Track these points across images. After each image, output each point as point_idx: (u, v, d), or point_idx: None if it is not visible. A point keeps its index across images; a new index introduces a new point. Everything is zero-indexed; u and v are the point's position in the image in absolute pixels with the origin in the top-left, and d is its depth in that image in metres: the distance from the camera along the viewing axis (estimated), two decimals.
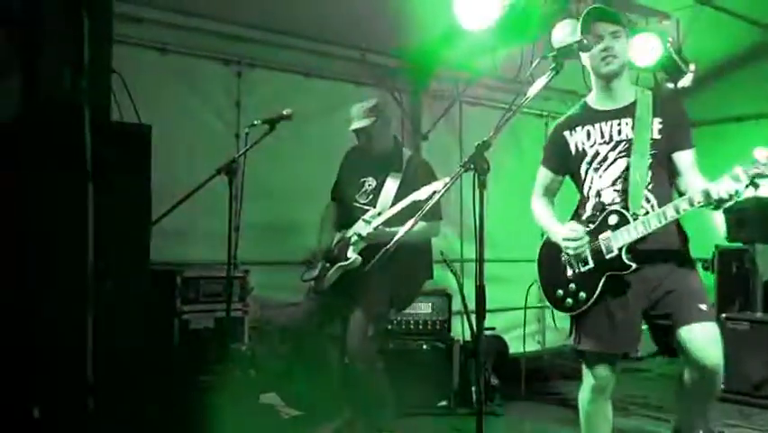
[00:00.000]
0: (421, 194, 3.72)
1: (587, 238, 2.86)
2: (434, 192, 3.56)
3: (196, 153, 4.81)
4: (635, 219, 2.77)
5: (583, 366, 3.03)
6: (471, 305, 2.70)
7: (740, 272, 6.04)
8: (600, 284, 2.85)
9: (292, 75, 5.58)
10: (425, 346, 5.19)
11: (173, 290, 4.41)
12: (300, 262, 4.28)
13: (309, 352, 4.25)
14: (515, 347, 6.30)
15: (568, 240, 2.88)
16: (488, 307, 5.20)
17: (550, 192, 3.21)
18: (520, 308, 6.88)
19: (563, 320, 3.07)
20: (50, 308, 3.42)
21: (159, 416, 3.72)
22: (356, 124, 4.09)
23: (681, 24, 5.45)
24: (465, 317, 4.76)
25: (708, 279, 6.38)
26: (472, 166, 2.45)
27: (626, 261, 2.78)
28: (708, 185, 2.56)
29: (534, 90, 2.66)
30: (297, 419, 4.60)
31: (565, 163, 3.09)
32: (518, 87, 3.01)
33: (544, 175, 3.20)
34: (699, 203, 2.59)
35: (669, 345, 2.85)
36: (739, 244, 6.00)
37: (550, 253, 3.05)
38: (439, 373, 5.18)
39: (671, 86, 5.36)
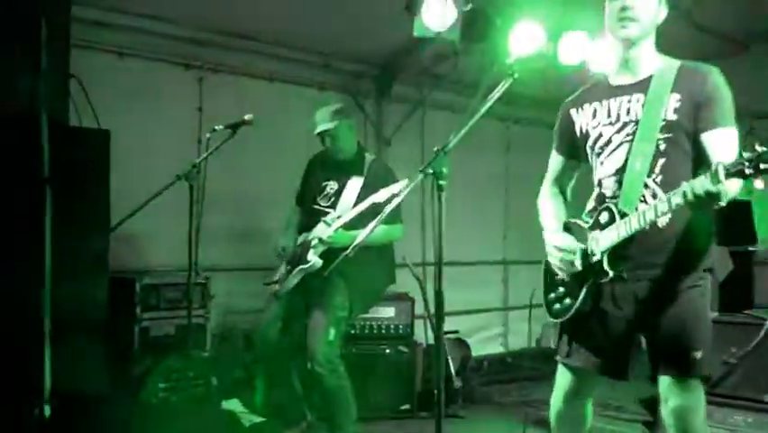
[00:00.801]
0: (380, 196, 3.74)
1: (577, 253, 2.53)
2: (394, 195, 3.59)
3: (156, 158, 4.76)
4: (622, 218, 2.40)
5: (558, 367, 2.75)
6: (434, 308, 2.66)
7: None
8: (583, 291, 2.53)
9: (255, 80, 5.56)
10: (387, 350, 5.21)
11: (133, 297, 4.37)
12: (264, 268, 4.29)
13: (272, 357, 4.24)
14: (478, 350, 6.36)
15: (556, 250, 2.59)
16: (451, 310, 5.26)
17: (562, 181, 2.85)
18: (483, 311, 6.98)
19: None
20: (7, 312, 3.37)
21: (118, 424, 3.68)
22: (320, 127, 4.12)
23: None
24: (428, 320, 4.79)
25: None
26: (431, 171, 2.45)
27: (606, 267, 2.43)
28: (690, 182, 2.14)
29: (493, 96, 2.64)
30: (259, 426, 4.58)
31: (574, 147, 2.71)
32: (479, 91, 3.03)
33: (554, 161, 2.84)
34: (677, 204, 2.19)
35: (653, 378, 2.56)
36: None
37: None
38: (402, 376, 5.20)
39: None
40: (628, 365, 2.58)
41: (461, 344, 5.97)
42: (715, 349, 4.73)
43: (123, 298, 4.37)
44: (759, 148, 2.00)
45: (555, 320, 2.69)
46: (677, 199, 2.17)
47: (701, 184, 2.08)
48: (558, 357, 2.73)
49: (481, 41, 4.70)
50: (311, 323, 3.95)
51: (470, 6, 4.56)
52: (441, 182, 2.43)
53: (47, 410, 3.41)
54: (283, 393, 4.43)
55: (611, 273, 2.43)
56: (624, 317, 2.51)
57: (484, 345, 6.65)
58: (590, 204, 2.65)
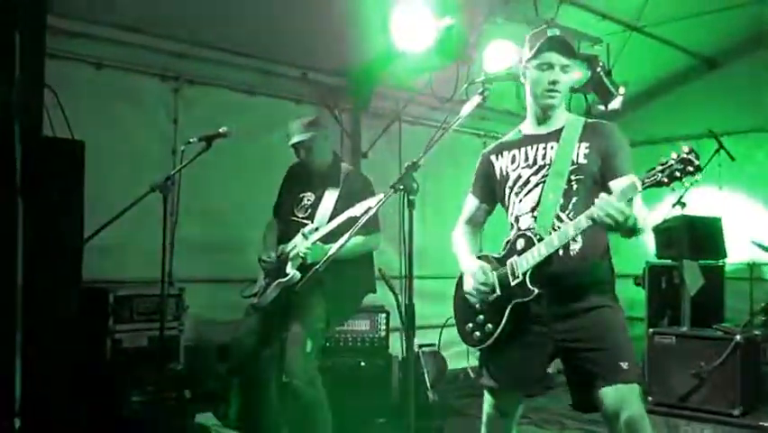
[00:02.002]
0: (356, 210, 3.76)
1: (496, 278, 2.72)
2: (370, 208, 3.61)
3: (131, 170, 4.75)
4: (539, 241, 2.63)
5: (485, 394, 2.91)
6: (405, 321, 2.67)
7: (669, 288, 6.23)
8: (506, 313, 2.69)
9: (232, 92, 5.55)
10: (363, 363, 5.21)
11: (105, 309, 4.33)
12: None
13: (249, 370, 4.23)
14: (455, 363, 6.37)
15: (477, 276, 2.75)
16: (428, 323, 5.27)
17: (475, 222, 3.06)
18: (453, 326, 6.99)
19: None
20: None
21: None
22: (295, 139, 4.12)
23: (611, 49, 5.66)
24: (403, 333, 4.80)
25: (638, 294, 6.60)
26: (401, 186, 2.49)
27: (530, 286, 2.62)
28: (594, 206, 2.42)
29: (463, 113, 2.71)
30: None
31: (491, 190, 2.95)
32: (454, 106, 3.07)
33: (470, 202, 3.06)
34: (595, 219, 2.42)
35: (582, 402, 2.68)
36: (668, 261, 6.19)
37: (462, 288, 2.88)
38: (377, 389, 5.21)
39: (601, 108, 5.55)
40: (546, 380, 2.82)
41: (438, 357, 5.98)
42: (685, 363, 4.86)
43: (95, 309, 4.33)
44: (677, 156, 2.31)
45: (477, 347, 2.84)
46: (594, 213, 2.41)
47: (606, 206, 2.36)
48: (482, 381, 2.87)
49: (456, 58, 4.75)
50: (289, 335, 3.95)
51: (446, 23, 4.61)
52: (411, 197, 2.47)
53: (16, 423, 3.38)
54: (259, 406, 4.41)
55: (536, 291, 2.62)
56: (544, 334, 2.69)
57: (461, 358, 6.66)
58: (507, 238, 2.82)
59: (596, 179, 2.69)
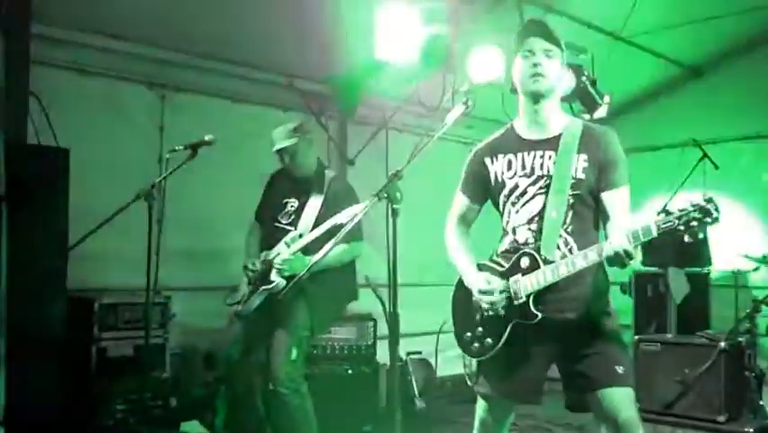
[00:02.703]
0: (341, 217, 3.76)
1: (504, 294, 2.66)
2: (355, 215, 3.62)
3: (116, 177, 4.72)
4: (545, 264, 2.58)
5: (478, 399, 2.90)
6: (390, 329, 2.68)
7: (655, 295, 6.27)
8: (507, 332, 2.66)
9: (218, 99, 5.55)
10: (350, 371, 5.21)
11: (90, 317, 4.32)
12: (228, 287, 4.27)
13: (234, 378, 4.21)
14: (442, 370, 6.37)
15: (483, 293, 2.68)
16: (415, 330, 5.26)
17: (466, 221, 2.98)
18: (448, 332, 6.99)
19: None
20: None
21: None
22: (279, 144, 4.12)
23: (596, 58, 5.70)
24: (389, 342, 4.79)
25: (625, 302, 6.64)
26: (386, 195, 2.50)
27: (534, 310, 2.59)
28: (613, 241, 2.41)
29: (448, 122, 2.72)
30: None
31: (483, 192, 2.88)
32: (440, 114, 3.09)
33: (461, 202, 2.95)
34: (606, 256, 2.42)
35: (576, 404, 2.72)
36: (654, 269, 6.23)
37: (463, 295, 2.84)
38: (364, 397, 5.20)
39: (587, 117, 5.58)
40: (541, 392, 2.78)
41: (425, 364, 5.99)
42: (670, 370, 4.88)
43: (80, 317, 4.32)
44: (696, 204, 2.28)
45: (475, 358, 2.82)
46: (605, 251, 2.41)
47: (627, 245, 2.35)
48: (477, 389, 2.87)
49: (442, 66, 4.78)
50: (274, 343, 3.94)
51: (432, 31, 4.64)
52: (395, 206, 2.48)
53: (1, 431, 3.36)
54: (245, 414, 4.39)
55: (539, 316, 2.59)
56: (542, 347, 2.70)
57: (448, 365, 6.67)
58: (502, 247, 2.79)
59: (593, 192, 2.67)
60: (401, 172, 2.52)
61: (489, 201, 2.90)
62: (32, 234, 3.67)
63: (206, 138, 3.84)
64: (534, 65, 2.64)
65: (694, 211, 2.28)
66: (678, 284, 5.80)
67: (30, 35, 3.86)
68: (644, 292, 6.42)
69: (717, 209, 2.29)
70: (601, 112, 5.59)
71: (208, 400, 4.75)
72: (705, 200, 2.29)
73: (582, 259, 2.50)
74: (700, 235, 2.30)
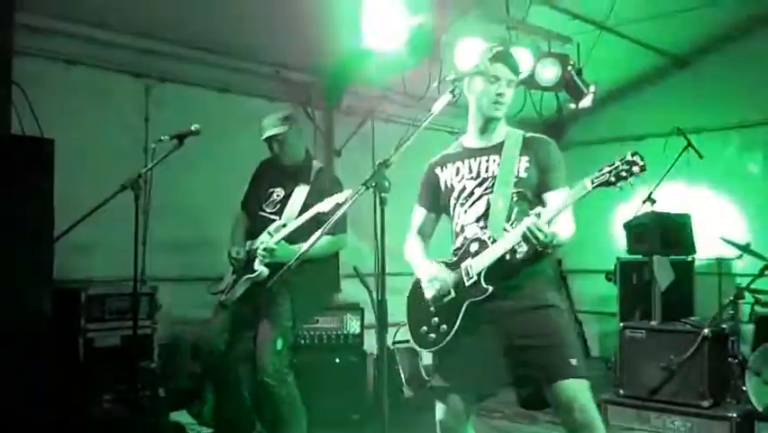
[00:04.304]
0: (324, 206, 3.76)
1: (450, 278, 2.83)
2: (338, 205, 3.62)
3: (102, 168, 4.70)
4: (493, 243, 2.75)
5: (436, 402, 2.94)
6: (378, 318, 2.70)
7: (640, 283, 6.31)
8: (461, 313, 2.78)
9: (204, 90, 5.52)
10: (337, 360, 5.23)
11: (77, 308, 4.30)
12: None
13: (220, 368, 4.22)
14: (431, 359, 6.39)
15: (431, 281, 2.85)
16: (403, 319, 5.29)
17: (424, 232, 3.17)
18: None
19: None
20: None
21: None
22: (268, 132, 4.12)
23: (581, 48, 5.72)
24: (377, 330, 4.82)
25: (610, 289, 6.69)
26: (374, 184, 2.51)
27: (484, 284, 2.74)
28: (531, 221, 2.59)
29: (434, 111, 2.74)
30: None
31: (437, 201, 3.07)
32: (426, 104, 3.09)
33: (418, 213, 3.17)
34: (524, 234, 2.59)
35: (530, 399, 2.80)
36: (639, 257, 6.28)
37: (417, 293, 2.96)
38: (352, 386, 5.23)
39: (572, 106, 5.62)
40: (498, 382, 2.89)
41: (412, 353, 6.01)
42: (655, 356, 4.94)
43: (67, 309, 4.28)
44: (622, 158, 2.51)
45: (431, 350, 2.90)
46: (541, 214, 2.61)
47: (532, 219, 2.58)
48: (434, 383, 2.93)
49: (428, 56, 4.78)
50: (259, 334, 3.95)
51: (418, 21, 4.64)
52: (383, 195, 2.49)
53: None
54: (232, 404, 4.40)
55: (489, 288, 2.74)
56: (497, 333, 2.78)
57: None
58: (454, 247, 2.96)
59: (535, 191, 2.87)
60: (389, 161, 2.55)
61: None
62: (18, 225, 3.64)
63: (192, 128, 3.83)
64: (499, 94, 2.86)
65: (623, 164, 2.50)
66: (662, 272, 5.83)
67: (13, 24, 3.81)
68: (629, 280, 6.46)
69: (642, 159, 2.50)
70: (587, 101, 5.62)
71: (196, 391, 4.75)
72: (631, 153, 2.51)
73: (528, 229, 2.60)
74: (630, 183, 2.51)
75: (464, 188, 2.93)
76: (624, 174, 2.49)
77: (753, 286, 5.27)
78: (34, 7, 4.42)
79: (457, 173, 2.98)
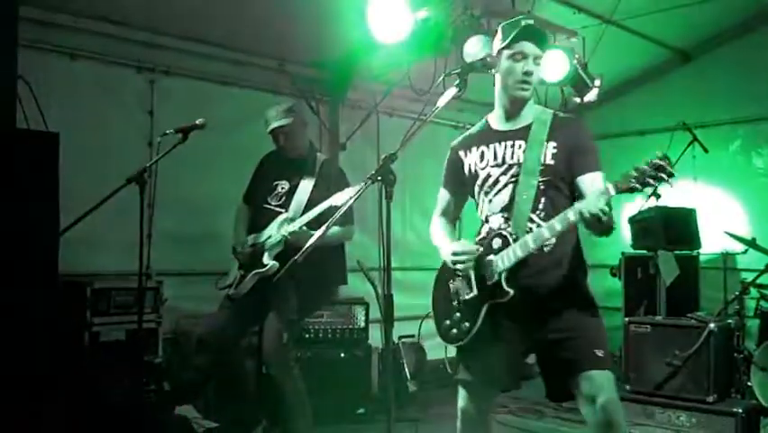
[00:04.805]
0: (337, 199, 3.77)
1: (475, 255, 2.72)
2: (350, 198, 3.62)
3: (107, 162, 4.71)
4: (515, 241, 2.64)
5: (459, 389, 2.92)
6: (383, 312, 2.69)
7: (645, 278, 6.30)
8: (482, 313, 2.70)
9: (208, 83, 5.52)
10: (342, 354, 5.24)
11: (83, 302, 4.30)
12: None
13: (226, 362, 4.22)
14: (435, 354, 6.40)
15: (456, 254, 2.74)
16: (408, 314, 5.30)
17: (450, 215, 3.06)
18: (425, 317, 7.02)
19: None
20: None
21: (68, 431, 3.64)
22: (274, 124, 4.12)
23: (586, 42, 5.70)
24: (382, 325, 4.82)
25: (615, 284, 6.68)
26: (379, 178, 2.50)
27: (506, 287, 2.63)
28: (582, 202, 2.46)
29: (440, 104, 2.73)
30: (213, 431, 4.56)
31: (461, 185, 2.95)
32: (432, 98, 3.08)
33: (442, 197, 3.06)
34: (572, 221, 2.48)
35: (556, 390, 2.79)
36: (644, 252, 6.26)
37: (442, 284, 2.91)
38: (357, 380, 5.24)
39: (577, 100, 5.59)
40: (520, 376, 2.85)
41: (417, 348, 6.01)
42: (660, 351, 4.92)
43: (72, 303, 4.30)
44: (651, 162, 2.31)
45: (454, 345, 2.84)
46: (572, 217, 2.47)
47: (593, 203, 2.39)
48: (459, 376, 2.89)
49: (433, 51, 4.77)
50: (265, 327, 3.96)
51: (423, 15, 4.63)
52: (389, 189, 2.49)
53: None
54: (237, 398, 4.41)
55: (511, 292, 2.63)
56: (519, 331, 2.72)
57: (441, 349, 6.71)
58: (479, 236, 2.85)
59: (564, 178, 2.72)
60: (395, 154, 2.53)
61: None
62: (23, 220, 3.64)
63: (197, 122, 3.82)
64: (526, 73, 2.70)
65: (651, 169, 2.31)
66: (667, 267, 5.82)
67: (17, 18, 3.80)
68: (633, 275, 6.45)
69: (671, 164, 2.31)
70: (592, 95, 5.60)
71: (202, 385, 4.76)
72: (659, 157, 2.31)
73: (548, 230, 2.56)
74: (657, 191, 2.35)
75: (489, 176, 2.80)
76: (650, 181, 2.32)
77: (758, 281, 5.25)
78: (39, 1, 4.42)
79: (481, 159, 2.84)
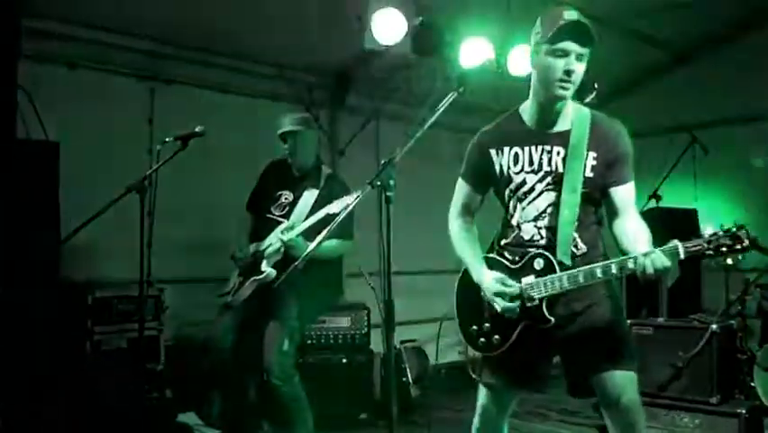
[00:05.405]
0: (334, 207, 3.77)
1: (518, 300, 2.60)
2: (348, 206, 3.62)
3: (107, 170, 4.71)
4: (561, 269, 2.53)
5: (481, 387, 2.87)
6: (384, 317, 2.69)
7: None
8: (517, 332, 2.64)
9: (208, 91, 5.54)
10: (344, 360, 5.23)
11: (84, 310, 4.31)
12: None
13: (226, 369, 4.22)
14: (438, 358, 6.39)
15: (497, 295, 2.62)
16: (410, 318, 5.29)
17: (470, 211, 2.89)
18: (442, 319, 7.00)
19: None
20: None
21: None
22: (287, 128, 4.14)
23: None
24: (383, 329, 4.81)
25: (616, 287, 6.66)
26: (379, 183, 2.49)
27: (547, 314, 2.57)
28: (644, 256, 2.35)
29: (438, 110, 2.71)
30: None
31: (486, 182, 2.81)
32: (431, 103, 3.07)
33: (464, 191, 2.87)
34: (630, 270, 2.38)
35: (578, 386, 2.72)
36: None
37: (470, 286, 2.78)
38: (359, 385, 5.22)
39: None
40: (546, 380, 2.79)
41: (420, 352, 6.01)
42: (663, 353, 4.92)
43: (74, 311, 4.31)
44: (727, 230, 2.25)
45: (480, 354, 2.77)
46: (630, 266, 2.37)
47: (661, 260, 2.31)
48: (483, 379, 2.83)
49: (432, 54, 4.78)
50: (266, 334, 3.95)
51: (420, 20, 4.64)
52: (389, 193, 2.48)
53: None
54: (239, 405, 4.40)
55: (552, 321, 2.58)
56: (548, 337, 2.66)
57: (442, 353, 6.70)
58: (506, 240, 2.76)
59: (600, 188, 2.62)
60: (395, 159, 2.52)
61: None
62: (24, 229, 3.66)
63: (197, 129, 3.84)
64: (567, 72, 2.49)
65: (725, 237, 2.24)
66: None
67: (18, 28, 3.82)
68: (635, 277, 6.43)
69: (748, 237, 2.24)
70: (589, 98, 5.60)
71: (204, 392, 4.76)
72: (737, 227, 2.24)
73: (602, 273, 2.44)
74: (729, 262, 2.30)
75: (524, 182, 2.65)
76: (724, 250, 2.23)
77: (760, 281, 5.24)
78: (39, 11, 4.43)
79: (516, 162, 2.67)
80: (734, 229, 2.23)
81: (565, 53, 2.49)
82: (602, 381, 2.56)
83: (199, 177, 5.22)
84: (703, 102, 6.91)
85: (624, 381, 2.56)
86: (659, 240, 6.24)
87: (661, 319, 5.37)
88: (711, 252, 2.25)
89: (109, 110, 5.02)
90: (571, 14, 2.50)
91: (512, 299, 2.60)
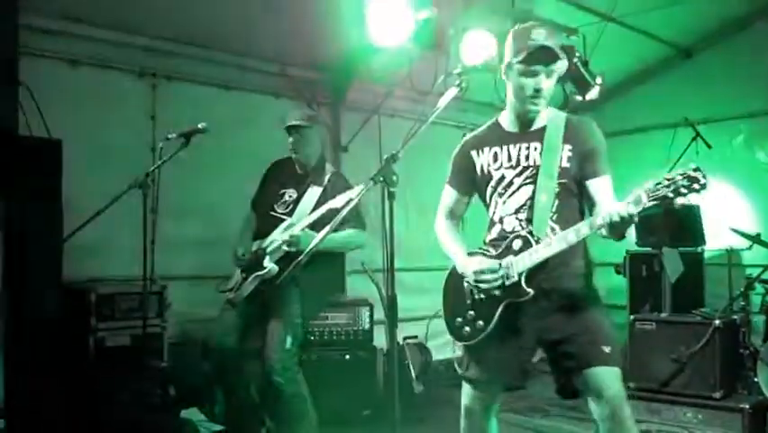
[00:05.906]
0: (337, 202, 3.77)
1: (499, 272, 2.68)
2: (350, 200, 3.61)
3: (109, 167, 4.72)
4: (537, 243, 2.64)
5: (464, 385, 2.94)
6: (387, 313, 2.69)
7: (649, 275, 6.29)
8: (498, 312, 2.70)
9: (210, 87, 5.53)
10: (347, 356, 5.23)
11: (87, 308, 4.31)
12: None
13: (229, 366, 4.22)
14: (440, 354, 6.40)
15: (480, 273, 2.69)
16: (412, 315, 5.28)
17: (455, 214, 3.03)
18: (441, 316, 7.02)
19: None
20: None
21: None
22: (294, 121, 4.13)
23: (587, 40, 5.69)
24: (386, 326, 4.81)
25: (620, 282, 6.66)
26: (381, 178, 2.50)
27: (525, 287, 2.64)
28: (608, 208, 2.45)
29: (441, 105, 2.72)
30: None
31: (471, 184, 2.95)
32: (433, 99, 3.08)
33: (448, 195, 3.02)
34: (599, 226, 2.47)
35: (565, 387, 2.78)
36: (648, 249, 6.25)
37: (455, 282, 2.88)
38: (362, 382, 5.23)
39: (579, 99, 5.58)
40: (528, 374, 2.86)
41: (422, 348, 6.01)
42: (666, 348, 4.92)
43: (77, 308, 4.31)
44: (684, 172, 2.29)
45: (465, 343, 2.84)
46: (599, 222, 2.45)
47: (625, 208, 2.37)
48: (466, 374, 2.89)
49: (435, 50, 4.77)
50: (268, 331, 3.95)
51: (423, 16, 4.63)
52: (391, 189, 2.48)
53: (1, 424, 3.36)
54: (241, 402, 4.41)
55: (531, 292, 2.63)
56: (528, 329, 2.73)
57: (445, 349, 6.70)
58: (489, 237, 2.86)
59: (577, 181, 2.74)
60: (397, 155, 2.53)
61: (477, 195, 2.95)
62: (26, 226, 3.65)
63: (199, 126, 3.84)
64: (537, 90, 2.69)
65: (683, 179, 2.30)
66: (672, 264, 5.81)
67: (18, 25, 3.82)
68: (638, 272, 6.44)
69: (704, 176, 2.29)
70: (593, 93, 5.60)
71: (207, 389, 4.76)
72: (693, 168, 2.30)
73: (574, 234, 2.54)
74: (688, 202, 2.33)
75: (503, 177, 2.80)
76: (683, 191, 2.29)
77: (763, 276, 5.24)
78: (39, 8, 4.43)
79: (495, 159, 2.83)
80: (690, 171, 2.29)
81: (534, 73, 2.67)
82: (586, 378, 2.62)
83: (202, 173, 5.22)
84: (706, 97, 6.90)
85: (608, 376, 2.61)
86: (663, 235, 6.21)
87: (664, 315, 5.37)
88: (672, 194, 2.31)
89: (111, 107, 5.02)
90: (538, 34, 2.66)
91: (493, 280, 2.68)
